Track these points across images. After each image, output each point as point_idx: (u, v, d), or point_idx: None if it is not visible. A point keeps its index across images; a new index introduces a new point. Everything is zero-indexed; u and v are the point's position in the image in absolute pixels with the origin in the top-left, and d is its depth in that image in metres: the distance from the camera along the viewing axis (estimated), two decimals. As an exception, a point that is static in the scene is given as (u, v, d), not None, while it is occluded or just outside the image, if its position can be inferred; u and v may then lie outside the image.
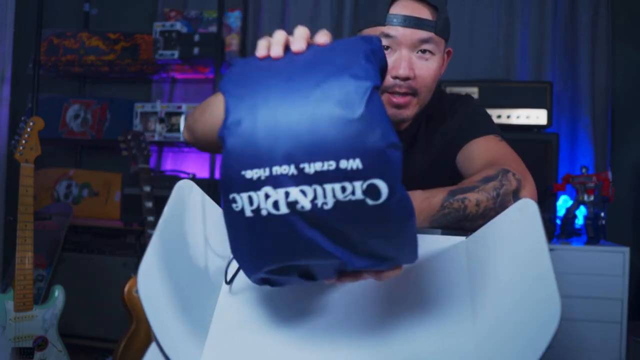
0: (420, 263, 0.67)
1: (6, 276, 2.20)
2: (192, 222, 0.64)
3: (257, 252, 0.53)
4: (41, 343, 1.72)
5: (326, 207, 0.49)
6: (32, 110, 2.59)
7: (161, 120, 2.56)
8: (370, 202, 0.49)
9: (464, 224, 0.81)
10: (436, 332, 0.58)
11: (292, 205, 0.49)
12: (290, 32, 0.60)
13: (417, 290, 0.64)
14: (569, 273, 1.94)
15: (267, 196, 0.50)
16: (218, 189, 2.49)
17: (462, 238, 0.70)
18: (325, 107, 0.49)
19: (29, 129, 1.73)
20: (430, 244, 0.70)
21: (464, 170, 1.01)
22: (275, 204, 0.50)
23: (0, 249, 2.77)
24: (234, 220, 0.52)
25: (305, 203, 0.49)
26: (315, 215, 0.50)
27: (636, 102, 2.50)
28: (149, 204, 1.83)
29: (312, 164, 0.49)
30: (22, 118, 1.79)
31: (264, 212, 0.50)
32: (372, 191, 0.48)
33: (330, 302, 0.64)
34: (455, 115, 1.09)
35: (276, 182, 0.49)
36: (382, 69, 0.60)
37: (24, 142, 1.72)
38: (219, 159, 2.67)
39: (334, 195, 0.49)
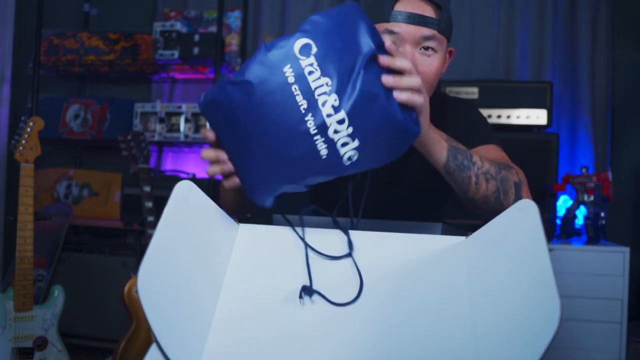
0: (420, 263, 0.67)
1: (6, 276, 2.20)
2: (192, 222, 0.64)
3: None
4: (41, 343, 1.72)
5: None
6: (32, 110, 2.59)
7: (161, 120, 2.56)
8: None
9: (472, 177, 0.88)
10: (436, 331, 0.58)
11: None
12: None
13: (417, 290, 0.64)
14: (569, 273, 1.94)
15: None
16: (217, 190, 2.49)
17: (462, 238, 0.70)
18: None
19: (29, 129, 1.73)
20: (430, 244, 0.70)
21: None
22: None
23: (0, 249, 2.77)
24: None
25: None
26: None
27: (636, 102, 2.50)
28: (149, 204, 1.83)
29: None
30: (22, 118, 1.79)
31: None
32: None
33: (329, 302, 0.64)
34: (459, 121, 1.10)
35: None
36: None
37: (24, 142, 1.72)
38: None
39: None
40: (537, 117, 2.17)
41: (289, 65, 0.67)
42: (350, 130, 0.68)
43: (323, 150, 0.68)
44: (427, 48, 0.97)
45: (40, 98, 2.62)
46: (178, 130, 2.54)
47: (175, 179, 2.31)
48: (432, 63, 0.98)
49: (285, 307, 0.63)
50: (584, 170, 2.07)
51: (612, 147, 2.50)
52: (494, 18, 2.60)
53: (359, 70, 0.68)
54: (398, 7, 0.95)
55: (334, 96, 0.67)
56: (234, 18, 2.67)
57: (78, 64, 2.67)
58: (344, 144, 0.68)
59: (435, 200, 1.16)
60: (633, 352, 1.96)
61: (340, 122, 0.67)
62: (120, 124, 2.67)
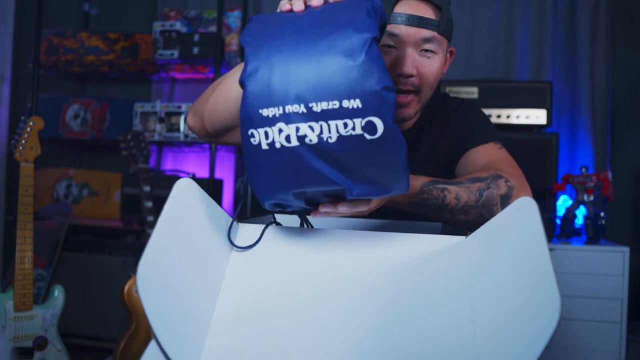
0: (420, 263, 0.67)
1: (6, 276, 2.20)
2: (192, 221, 0.64)
3: (272, 180, 0.63)
4: (41, 343, 1.72)
5: (331, 141, 0.59)
6: (32, 110, 2.59)
7: (161, 120, 2.56)
8: (368, 136, 0.59)
9: (443, 214, 0.85)
10: (436, 332, 0.58)
11: (301, 139, 0.59)
12: None
13: (417, 289, 0.64)
14: (569, 273, 1.94)
15: (280, 131, 0.60)
16: (217, 189, 2.48)
17: (462, 238, 0.70)
18: (331, 55, 0.59)
19: (29, 129, 1.73)
20: (430, 244, 0.70)
21: (463, 173, 1.02)
22: (288, 138, 0.60)
23: (0, 249, 2.77)
24: (252, 154, 0.62)
25: (313, 137, 0.59)
26: (322, 147, 0.60)
27: (636, 102, 2.50)
28: (149, 204, 1.83)
29: (319, 104, 0.58)
30: (22, 118, 1.79)
31: (277, 145, 0.60)
32: (370, 127, 0.58)
33: (329, 302, 0.64)
34: (460, 122, 1.10)
35: (288, 119, 0.59)
36: (382, 25, 0.68)
37: (24, 142, 1.72)
38: (219, 159, 2.67)
39: (338, 131, 0.59)
40: (537, 117, 2.17)
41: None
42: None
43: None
44: (427, 50, 0.97)
45: (40, 98, 2.62)
46: (178, 130, 2.54)
47: (175, 179, 2.31)
48: (432, 65, 0.97)
49: (285, 307, 0.63)
50: (584, 170, 2.07)
51: (612, 147, 2.50)
52: (494, 18, 2.60)
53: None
54: (398, 9, 0.94)
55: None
56: (234, 18, 2.67)
57: (78, 64, 2.67)
58: None
59: None
60: (633, 352, 1.96)
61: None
62: (120, 124, 2.67)
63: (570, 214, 2.10)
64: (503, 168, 0.93)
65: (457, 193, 0.85)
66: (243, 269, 0.69)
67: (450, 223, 0.88)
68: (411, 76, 0.96)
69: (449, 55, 1.05)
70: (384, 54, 0.96)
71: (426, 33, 0.95)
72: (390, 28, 0.95)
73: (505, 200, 0.86)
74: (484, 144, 1.03)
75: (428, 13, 0.95)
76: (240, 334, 0.61)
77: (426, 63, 0.97)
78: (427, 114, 1.12)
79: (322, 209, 0.70)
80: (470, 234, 0.70)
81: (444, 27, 0.97)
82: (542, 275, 0.48)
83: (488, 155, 1.01)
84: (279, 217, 1.03)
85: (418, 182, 0.84)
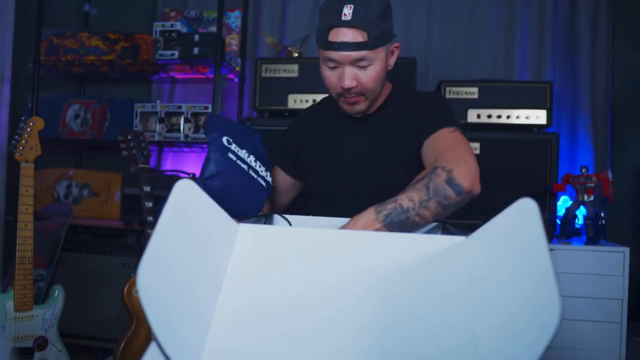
0: (420, 263, 0.67)
1: (6, 276, 2.20)
2: (192, 222, 0.64)
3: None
4: (41, 343, 1.72)
5: None
6: (32, 110, 2.59)
7: (161, 120, 2.56)
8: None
9: (415, 219, 0.98)
10: (436, 332, 0.58)
11: None
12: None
13: (417, 289, 0.64)
14: (569, 273, 1.94)
15: None
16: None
17: (462, 238, 0.70)
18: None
19: (29, 129, 1.73)
20: (430, 244, 0.70)
21: (425, 162, 1.18)
22: None
23: (0, 249, 2.77)
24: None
25: None
26: None
27: (636, 102, 2.50)
28: (149, 204, 1.83)
29: None
30: (22, 118, 1.79)
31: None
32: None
33: (329, 302, 0.64)
34: (419, 110, 1.26)
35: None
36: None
37: (24, 142, 1.72)
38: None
39: None
40: (537, 117, 2.17)
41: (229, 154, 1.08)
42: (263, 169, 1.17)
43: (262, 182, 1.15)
44: (362, 65, 1.16)
45: (40, 98, 2.62)
46: (178, 130, 2.54)
47: (175, 179, 2.30)
48: (369, 74, 1.17)
49: (285, 307, 0.63)
50: (584, 170, 2.07)
51: (612, 147, 2.50)
52: (494, 18, 2.60)
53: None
54: (331, 38, 1.13)
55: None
56: (234, 18, 2.67)
57: (78, 64, 2.67)
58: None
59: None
60: (633, 352, 1.96)
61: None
62: (120, 124, 2.67)
63: (570, 214, 2.10)
64: (445, 154, 1.07)
65: (407, 196, 0.98)
66: (243, 269, 0.69)
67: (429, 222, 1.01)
68: (351, 88, 1.17)
69: (394, 50, 1.24)
70: (331, 71, 1.19)
71: (356, 54, 1.13)
72: (329, 54, 1.15)
73: (452, 182, 1.00)
74: (441, 129, 1.17)
75: (357, 37, 1.12)
76: (241, 334, 0.61)
77: (363, 74, 1.17)
78: (388, 102, 1.31)
79: None
80: (470, 233, 0.70)
81: (373, 43, 1.14)
82: (542, 276, 0.48)
83: (441, 140, 1.15)
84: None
85: (370, 212, 0.97)
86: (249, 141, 1.16)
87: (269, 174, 1.19)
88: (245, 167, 1.11)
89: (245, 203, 1.12)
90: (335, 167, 1.32)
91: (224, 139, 1.09)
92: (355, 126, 1.32)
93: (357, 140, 1.31)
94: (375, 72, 1.18)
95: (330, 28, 1.13)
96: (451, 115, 1.24)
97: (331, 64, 1.17)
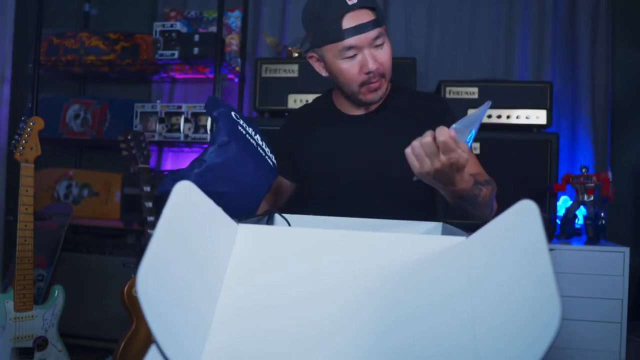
0: (420, 263, 0.67)
1: (6, 276, 2.20)
2: (191, 223, 0.64)
3: None
4: (41, 343, 1.72)
5: None
6: (32, 110, 2.59)
7: (161, 120, 2.56)
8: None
9: (476, 207, 1.08)
10: (436, 332, 0.58)
11: None
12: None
13: (417, 290, 0.64)
14: (569, 273, 1.94)
15: None
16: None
17: (462, 238, 0.70)
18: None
19: (29, 129, 1.73)
20: (430, 244, 0.70)
21: None
22: None
23: (0, 249, 2.77)
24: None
25: None
26: None
27: (636, 102, 2.50)
28: (149, 204, 1.83)
29: None
30: (22, 118, 1.79)
31: None
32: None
33: (329, 302, 0.64)
34: (426, 113, 1.28)
35: None
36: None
37: (24, 142, 1.72)
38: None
39: None
40: (537, 117, 2.17)
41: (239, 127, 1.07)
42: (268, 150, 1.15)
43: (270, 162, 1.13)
44: (378, 44, 1.17)
45: (40, 98, 2.62)
46: (178, 130, 2.54)
47: (175, 179, 2.30)
48: (386, 51, 1.19)
49: (285, 308, 0.63)
50: (584, 170, 2.07)
51: (612, 147, 2.50)
52: (494, 18, 2.60)
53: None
54: (345, 25, 1.13)
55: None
56: (234, 18, 2.67)
57: (78, 64, 2.67)
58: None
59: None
60: (633, 352, 1.96)
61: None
62: (120, 124, 2.67)
63: (570, 214, 2.10)
64: (481, 170, 1.21)
65: (487, 188, 1.09)
66: (243, 269, 0.69)
67: (471, 215, 1.10)
68: (376, 69, 1.17)
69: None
70: (350, 61, 1.18)
71: (372, 33, 1.15)
72: (346, 43, 1.14)
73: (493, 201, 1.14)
74: None
75: (367, 16, 1.14)
76: (241, 334, 0.61)
77: (382, 53, 1.18)
78: (391, 101, 1.32)
79: None
80: (470, 234, 0.70)
81: (381, 19, 1.17)
82: (542, 277, 0.48)
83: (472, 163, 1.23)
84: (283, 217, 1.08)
85: (471, 180, 1.03)
86: (252, 124, 1.14)
87: (273, 156, 1.16)
88: (254, 143, 1.09)
89: (256, 176, 1.09)
90: (335, 166, 1.30)
91: (232, 113, 1.07)
92: (355, 125, 1.31)
93: (357, 140, 1.30)
94: (390, 50, 1.20)
95: (342, 16, 1.12)
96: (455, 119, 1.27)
97: (350, 53, 1.16)
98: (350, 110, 1.33)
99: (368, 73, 1.18)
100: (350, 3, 1.12)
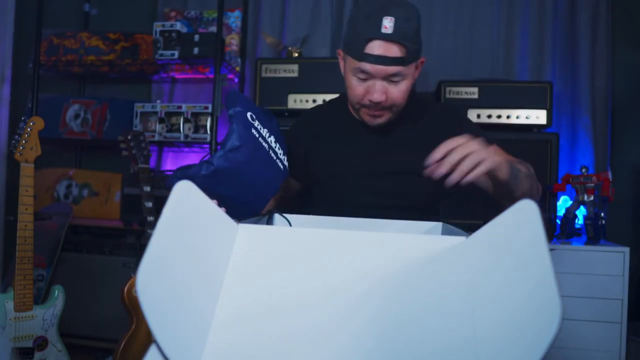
0: (420, 263, 0.67)
1: (6, 276, 2.20)
2: (191, 223, 0.64)
3: None
4: (41, 343, 1.72)
5: None
6: (32, 110, 2.59)
7: (161, 120, 2.56)
8: None
9: (518, 180, 1.08)
10: (436, 332, 0.58)
11: None
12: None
13: (417, 290, 0.64)
14: (569, 273, 1.94)
15: None
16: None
17: (463, 238, 0.70)
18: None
19: (29, 129, 1.73)
20: (430, 244, 0.70)
21: None
22: None
23: (0, 249, 2.77)
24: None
25: None
26: None
27: (636, 102, 2.50)
28: (149, 204, 1.83)
29: None
30: (22, 118, 1.79)
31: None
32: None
33: (330, 302, 0.64)
34: (454, 128, 1.22)
35: None
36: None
37: (24, 142, 1.72)
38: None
39: None
40: (537, 117, 2.17)
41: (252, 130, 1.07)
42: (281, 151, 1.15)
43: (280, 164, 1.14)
44: (394, 79, 1.14)
45: (40, 98, 2.62)
46: (178, 130, 2.54)
47: (175, 179, 2.30)
48: (399, 88, 1.16)
49: (286, 308, 0.63)
50: (584, 170, 2.07)
51: (612, 147, 2.50)
52: (494, 18, 2.60)
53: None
54: (368, 50, 1.10)
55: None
56: (234, 18, 2.67)
57: (78, 64, 2.67)
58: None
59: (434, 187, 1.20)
60: (633, 352, 1.96)
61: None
62: (120, 124, 2.66)
63: (570, 214, 2.10)
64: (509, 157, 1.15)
65: (526, 166, 1.12)
66: (243, 269, 0.69)
67: (515, 195, 1.09)
68: (380, 102, 1.15)
69: (419, 64, 1.21)
70: (360, 82, 1.16)
71: (391, 69, 1.11)
72: (362, 65, 1.12)
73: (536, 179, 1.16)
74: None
75: (394, 52, 1.10)
76: (241, 335, 0.61)
77: (394, 88, 1.15)
78: (408, 113, 1.28)
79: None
80: (470, 234, 0.70)
81: (410, 59, 1.12)
82: (542, 278, 0.48)
83: None
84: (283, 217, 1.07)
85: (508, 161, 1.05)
86: (268, 122, 1.13)
87: (286, 157, 1.17)
88: (266, 146, 1.09)
89: (263, 180, 1.10)
90: (350, 175, 1.28)
91: (249, 114, 1.06)
92: (372, 134, 1.29)
93: (374, 150, 1.28)
94: (406, 87, 1.16)
95: (369, 40, 1.09)
96: (478, 129, 1.25)
97: (362, 76, 1.14)
98: None
99: (370, 100, 1.16)
100: (383, 31, 1.08)
